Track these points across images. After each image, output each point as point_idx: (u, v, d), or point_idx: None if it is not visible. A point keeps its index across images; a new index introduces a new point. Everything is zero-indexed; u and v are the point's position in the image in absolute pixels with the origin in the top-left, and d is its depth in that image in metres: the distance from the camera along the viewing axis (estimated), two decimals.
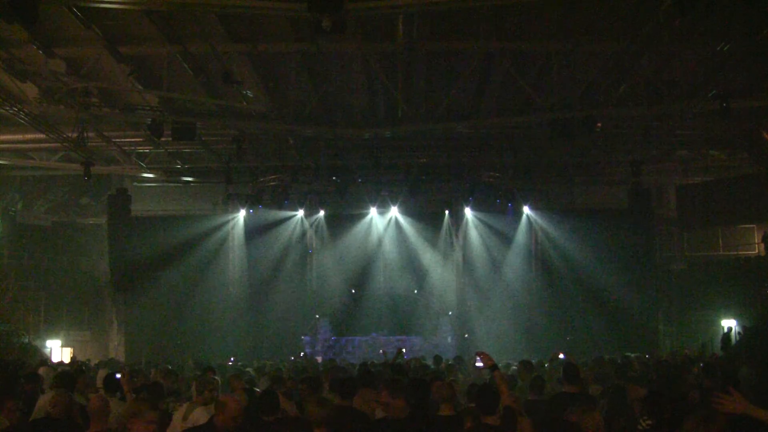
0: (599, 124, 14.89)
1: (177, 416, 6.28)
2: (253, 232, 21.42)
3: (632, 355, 13.37)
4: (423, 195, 20.40)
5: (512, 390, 7.39)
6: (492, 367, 5.55)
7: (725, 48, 11.90)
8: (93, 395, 6.65)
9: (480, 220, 21.29)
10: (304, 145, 18.28)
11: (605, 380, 9.04)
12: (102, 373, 10.12)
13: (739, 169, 19.96)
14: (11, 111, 14.00)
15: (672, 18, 10.72)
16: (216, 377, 8.35)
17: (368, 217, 21.53)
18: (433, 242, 21.68)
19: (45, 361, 16.28)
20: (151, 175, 20.71)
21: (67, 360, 18.40)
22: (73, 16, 11.38)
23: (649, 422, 5.31)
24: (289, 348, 19.64)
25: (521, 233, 21.09)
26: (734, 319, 18.40)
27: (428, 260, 21.54)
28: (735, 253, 21.43)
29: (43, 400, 6.97)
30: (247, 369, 12.60)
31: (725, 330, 17.81)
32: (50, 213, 23.09)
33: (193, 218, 21.12)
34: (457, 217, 21.60)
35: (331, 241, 21.82)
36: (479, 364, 5.95)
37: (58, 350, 21.53)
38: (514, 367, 11.77)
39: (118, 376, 8.27)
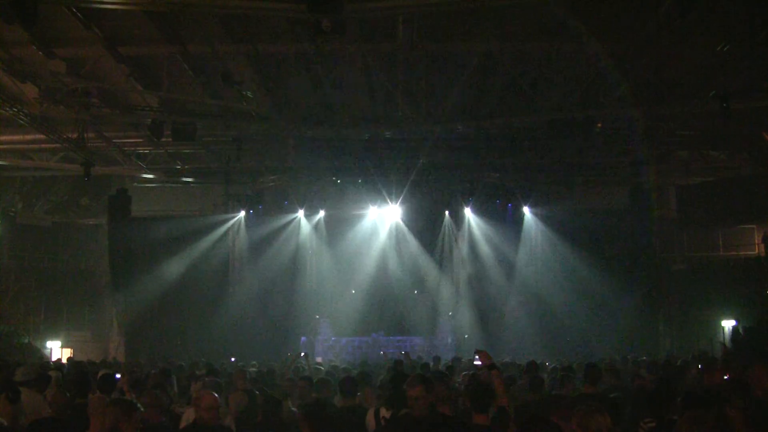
0: (599, 124, 14.90)
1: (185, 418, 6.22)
2: (253, 232, 21.39)
3: (629, 357, 13.33)
4: (423, 195, 20.37)
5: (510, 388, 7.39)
6: (490, 366, 5.53)
7: (725, 48, 11.90)
8: (93, 396, 6.63)
9: (480, 220, 21.25)
10: (304, 145, 18.27)
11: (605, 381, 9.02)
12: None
13: (739, 169, 19.95)
14: (11, 111, 14.01)
15: (672, 18, 10.73)
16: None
17: (368, 217, 21.51)
18: (433, 242, 21.65)
19: (47, 363, 16.19)
20: (151, 176, 20.71)
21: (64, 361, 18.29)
22: (73, 17, 11.40)
23: (652, 424, 5.28)
24: (289, 348, 19.62)
25: (521, 233, 21.05)
26: (734, 319, 18.39)
27: (428, 260, 21.51)
28: (735, 253, 21.40)
29: None
30: (251, 369, 12.54)
31: (734, 325, 17.63)
32: (50, 213, 23.08)
33: (193, 219, 21.08)
34: (457, 217, 21.55)
35: (331, 242, 21.77)
36: (477, 362, 5.90)
37: (58, 350, 21.52)
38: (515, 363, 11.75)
39: (118, 376, 8.26)
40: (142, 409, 4.52)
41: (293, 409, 6.46)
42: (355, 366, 12.27)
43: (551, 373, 10.05)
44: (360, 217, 21.54)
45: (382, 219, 21.51)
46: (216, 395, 5.16)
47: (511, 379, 8.60)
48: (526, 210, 20.82)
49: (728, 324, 18.70)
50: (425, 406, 4.70)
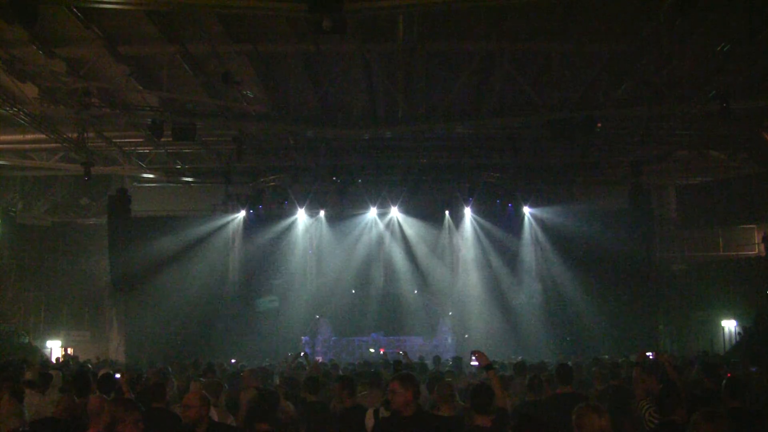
0: (599, 124, 14.89)
1: None
2: (253, 232, 21.39)
3: (632, 357, 13.32)
4: (423, 195, 20.38)
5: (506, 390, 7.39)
6: (487, 366, 5.52)
7: (725, 48, 11.90)
8: (92, 395, 6.63)
9: (480, 220, 21.25)
10: (304, 145, 18.28)
11: (604, 381, 9.01)
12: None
13: (739, 169, 19.95)
14: (11, 111, 14.00)
15: (672, 18, 10.73)
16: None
17: (368, 217, 21.50)
18: (433, 242, 21.64)
19: (47, 362, 16.19)
20: (151, 176, 20.72)
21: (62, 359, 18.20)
22: (73, 16, 11.39)
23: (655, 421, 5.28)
24: (289, 348, 19.63)
25: (521, 233, 21.06)
26: (734, 319, 18.39)
27: (428, 260, 21.50)
28: (735, 253, 21.42)
29: None
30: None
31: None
32: (50, 213, 23.08)
33: (193, 219, 21.09)
34: (457, 218, 21.55)
35: (331, 242, 21.77)
36: (474, 363, 5.87)
37: (58, 350, 21.52)
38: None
39: (118, 375, 8.25)
40: (143, 409, 4.52)
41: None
42: (355, 366, 12.29)
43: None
44: (360, 217, 21.54)
45: (382, 219, 21.52)
46: (202, 394, 5.17)
47: (506, 379, 8.60)
48: (526, 210, 20.81)
49: (728, 324, 18.70)
50: (405, 404, 4.66)
